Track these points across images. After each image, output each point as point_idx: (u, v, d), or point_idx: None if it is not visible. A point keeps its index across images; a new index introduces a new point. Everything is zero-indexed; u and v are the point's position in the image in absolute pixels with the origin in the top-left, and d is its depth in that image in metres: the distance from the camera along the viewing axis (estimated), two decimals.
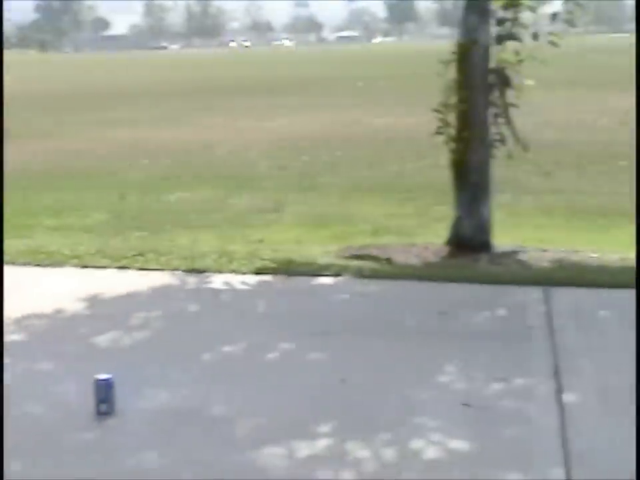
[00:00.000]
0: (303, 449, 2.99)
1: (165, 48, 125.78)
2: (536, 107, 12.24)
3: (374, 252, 6.10)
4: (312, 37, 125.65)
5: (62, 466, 2.93)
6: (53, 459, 2.95)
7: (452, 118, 6.12)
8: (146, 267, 5.60)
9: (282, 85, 23.05)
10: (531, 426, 3.17)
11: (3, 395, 2.73)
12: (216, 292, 4.99)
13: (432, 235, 6.83)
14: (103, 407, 3.30)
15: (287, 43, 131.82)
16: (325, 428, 3.16)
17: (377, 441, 3.04)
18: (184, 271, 5.49)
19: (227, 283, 5.16)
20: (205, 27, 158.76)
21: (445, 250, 6.06)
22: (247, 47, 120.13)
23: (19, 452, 2.96)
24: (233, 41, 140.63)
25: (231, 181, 10.08)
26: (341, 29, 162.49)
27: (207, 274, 5.42)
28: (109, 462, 2.95)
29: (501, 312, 4.61)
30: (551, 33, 6.06)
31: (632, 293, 4.79)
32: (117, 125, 16.34)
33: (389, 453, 2.96)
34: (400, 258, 5.89)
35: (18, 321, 4.41)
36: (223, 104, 19.55)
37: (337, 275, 5.33)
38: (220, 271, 5.43)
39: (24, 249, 6.13)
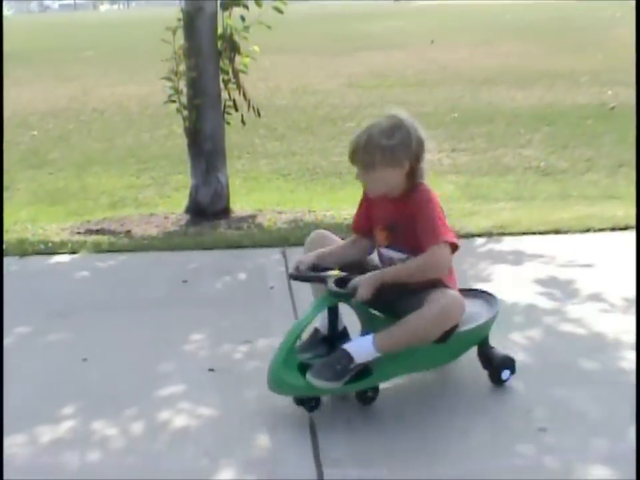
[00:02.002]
0: (47, 434, 2.89)
1: None
2: (266, 72, 12.51)
3: (112, 226, 5.97)
4: (33, 5, 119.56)
5: None
6: None
7: (183, 86, 6.09)
8: None
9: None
10: None
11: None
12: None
13: (172, 204, 6.80)
14: None
15: (5, 11, 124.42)
16: (67, 410, 3.06)
17: (123, 417, 2.99)
18: None
19: None
20: None
21: (185, 218, 6.06)
22: None
23: None
24: None
25: None
26: None
27: None
28: None
29: (242, 276, 4.68)
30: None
31: None
32: None
33: (137, 427, 2.93)
34: (139, 230, 5.81)
35: None
36: None
37: (73, 252, 5.15)
38: None
39: None
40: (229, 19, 6.12)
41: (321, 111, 11.91)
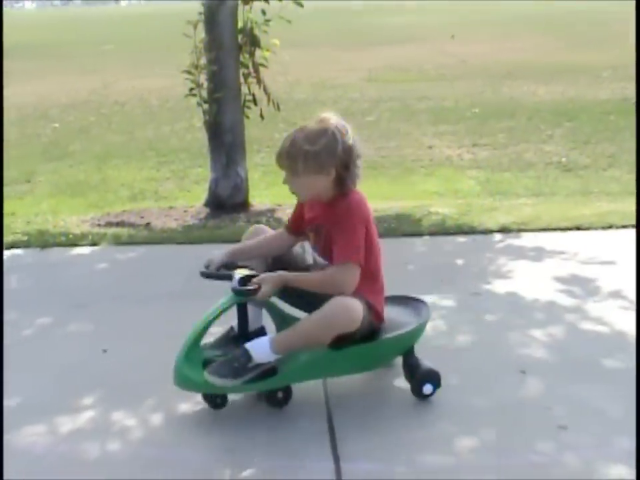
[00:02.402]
0: (67, 424, 2.91)
1: None
2: (286, 66, 12.50)
3: (132, 218, 6.00)
4: (56, 1, 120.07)
5: None
6: None
7: (203, 79, 6.11)
8: None
9: (25, 49, 21.86)
10: None
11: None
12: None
13: (191, 197, 6.83)
14: None
15: (28, 5, 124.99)
16: (87, 400, 3.08)
17: (142, 408, 3.01)
18: None
19: None
20: None
21: (204, 212, 6.08)
22: None
23: None
24: None
25: None
26: None
27: None
28: None
29: None
30: None
31: (381, 241, 5.05)
32: None
33: (156, 418, 2.95)
34: (159, 222, 5.84)
35: None
36: None
37: (93, 244, 5.19)
38: None
39: None
40: (249, 13, 6.14)
41: (340, 104, 11.90)
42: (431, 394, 2.98)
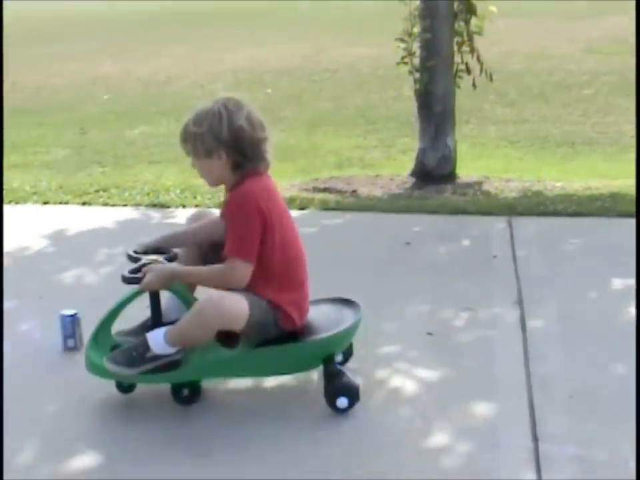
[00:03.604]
0: (270, 380, 3.01)
1: None
2: (500, 35, 12.19)
3: (339, 185, 6.09)
4: None
5: (28, 401, 2.92)
6: (19, 395, 2.94)
7: (416, 47, 6.07)
8: (109, 203, 5.55)
9: (240, 14, 22.62)
10: (493, 354, 3.21)
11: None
12: (179, 227, 4.94)
13: (397, 166, 6.83)
14: (70, 342, 3.29)
15: None
16: None
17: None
18: (147, 206, 5.45)
19: None
20: None
21: (410, 181, 6.07)
22: None
23: None
24: None
25: None
26: None
27: (170, 209, 5.38)
28: (77, 396, 2.95)
29: (465, 242, 4.63)
30: None
31: (595, 221, 4.85)
32: (75, 58, 15.98)
33: (357, 382, 2.99)
34: (365, 190, 5.89)
35: None
36: (181, 35, 19.17)
37: (302, 208, 5.31)
38: (184, 206, 5.40)
39: None
40: None
41: (555, 76, 11.46)
42: (346, 409, 2.77)
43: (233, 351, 2.78)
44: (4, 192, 5.71)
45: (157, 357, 2.75)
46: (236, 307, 2.69)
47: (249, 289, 2.76)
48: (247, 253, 2.72)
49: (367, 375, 3.03)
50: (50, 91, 12.26)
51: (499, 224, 4.85)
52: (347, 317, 2.95)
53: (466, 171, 6.31)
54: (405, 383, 2.99)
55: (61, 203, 5.55)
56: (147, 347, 2.76)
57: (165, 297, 2.90)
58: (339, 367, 2.86)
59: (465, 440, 2.61)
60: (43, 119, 9.49)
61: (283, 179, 6.37)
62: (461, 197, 5.58)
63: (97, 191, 5.77)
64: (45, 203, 5.60)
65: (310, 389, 2.95)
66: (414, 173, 6.16)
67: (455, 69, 6.07)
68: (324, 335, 2.85)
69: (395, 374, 3.05)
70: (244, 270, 2.72)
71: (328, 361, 2.83)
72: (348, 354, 3.08)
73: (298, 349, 2.84)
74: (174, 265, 2.84)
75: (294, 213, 5.16)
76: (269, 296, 2.78)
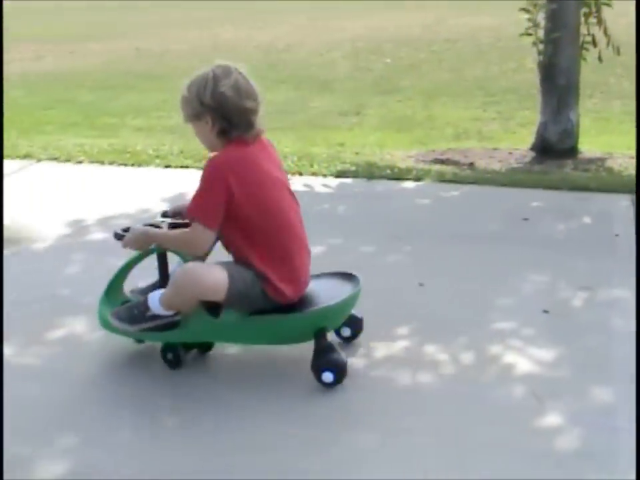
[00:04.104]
0: (381, 350, 3.03)
1: None
2: (629, 6, 11.72)
3: (456, 156, 6.03)
4: None
5: None
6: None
7: (540, 18, 5.92)
8: None
9: None
10: (610, 335, 3.13)
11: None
12: (297, 194, 4.99)
13: (516, 140, 6.70)
14: None
15: None
16: (402, 330, 3.18)
17: (454, 344, 3.05)
18: None
19: (307, 185, 5.18)
20: None
21: (530, 155, 5.95)
22: None
23: None
24: None
25: (312, 82, 10.01)
26: None
27: (287, 176, 5.43)
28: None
29: (587, 219, 4.51)
30: None
31: None
32: (196, 25, 16.26)
33: (467, 356, 2.97)
34: (482, 163, 5.82)
35: (103, 221, 4.52)
36: (302, 2, 19.22)
37: (417, 179, 5.29)
38: (300, 173, 5.45)
39: (108, 149, 6.25)
40: None
41: None
42: (332, 383, 2.75)
43: (217, 319, 2.84)
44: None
45: (156, 317, 2.87)
46: (211, 278, 2.74)
47: (239, 260, 2.83)
48: (207, 218, 2.75)
49: (479, 350, 3.01)
50: (172, 56, 12.54)
51: (622, 202, 4.71)
52: (342, 292, 2.92)
53: (588, 146, 6.14)
54: (518, 360, 2.95)
55: (181, 167, 5.70)
56: (147, 307, 2.88)
57: (174, 260, 2.98)
58: (328, 342, 2.82)
59: (578, 422, 2.56)
60: (165, 85, 9.71)
61: (399, 149, 6.35)
62: (583, 172, 5.43)
63: None
64: (167, 166, 5.75)
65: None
66: (534, 147, 6.04)
67: (580, 41, 5.89)
68: (313, 308, 2.85)
69: (508, 350, 3.02)
70: (204, 235, 2.76)
71: (319, 335, 2.82)
72: (357, 329, 3.08)
73: (288, 320, 2.84)
74: (148, 229, 2.92)
75: (409, 184, 5.21)
76: (255, 266, 2.79)
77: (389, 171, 5.45)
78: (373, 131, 7.43)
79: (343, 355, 2.81)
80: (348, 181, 5.32)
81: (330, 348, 2.80)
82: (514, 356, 2.98)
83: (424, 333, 3.15)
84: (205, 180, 2.75)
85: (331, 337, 2.91)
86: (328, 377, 2.76)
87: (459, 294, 3.51)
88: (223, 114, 2.75)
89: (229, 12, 18.70)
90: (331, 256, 3.95)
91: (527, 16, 5.97)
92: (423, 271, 3.75)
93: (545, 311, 3.32)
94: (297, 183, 5.21)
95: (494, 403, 2.68)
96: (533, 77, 6.30)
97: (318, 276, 3.02)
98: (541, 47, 5.89)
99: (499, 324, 3.23)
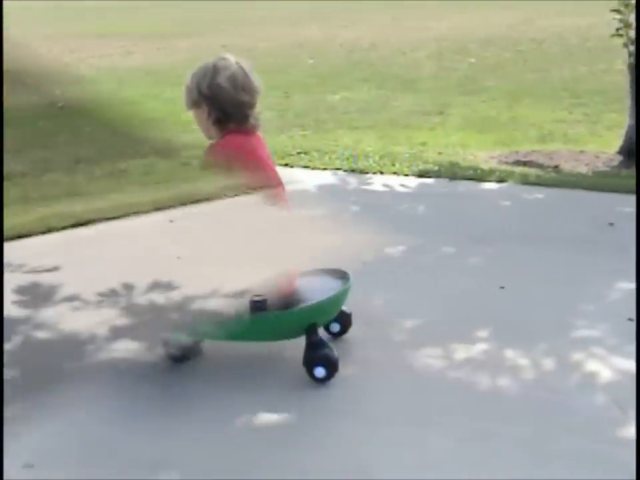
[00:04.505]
0: (460, 352, 3.00)
1: None
2: None
3: (540, 159, 5.94)
4: None
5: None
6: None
7: (632, 19, 5.77)
8: (309, 166, 5.68)
9: None
10: None
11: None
12: (377, 193, 5.00)
13: (602, 143, 6.56)
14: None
15: None
16: (481, 333, 3.14)
17: (534, 350, 3.00)
18: (346, 170, 5.54)
19: (388, 185, 5.17)
20: None
21: (617, 159, 5.82)
22: None
23: None
24: None
25: (395, 81, 9.98)
26: None
27: (368, 175, 5.44)
28: None
29: None
30: None
31: None
32: (281, 23, 16.38)
33: (547, 362, 2.92)
34: (568, 165, 5.71)
35: None
36: (387, 1, 19.18)
37: (500, 180, 5.23)
38: (382, 172, 5.44)
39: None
40: None
41: None
42: (324, 379, 2.78)
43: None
44: None
45: None
46: None
47: None
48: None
49: (560, 357, 2.95)
50: (258, 53, 12.65)
51: None
52: (333, 288, 2.94)
53: None
54: (601, 369, 2.88)
55: None
56: None
57: None
58: (320, 337, 2.85)
59: None
60: None
61: (482, 150, 6.28)
62: None
63: (299, 153, 5.92)
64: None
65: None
66: (622, 151, 5.90)
67: None
68: (305, 304, 2.87)
69: (590, 358, 2.95)
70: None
71: (310, 331, 2.84)
72: (346, 325, 3.10)
73: (279, 317, 2.85)
74: None
75: (492, 186, 5.15)
76: None
77: (471, 172, 5.40)
78: (455, 131, 7.36)
79: (334, 350, 2.85)
80: (430, 180, 5.29)
81: (321, 344, 2.85)
82: (596, 364, 2.92)
83: (504, 336, 3.11)
84: (204, 160, 2.96)
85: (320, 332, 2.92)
86: (320, 372, 2.81)
87: (541, 298, 3.45)
88: (219, 105, 2.89)
89: (314, 10, 18.79)
90: (410, 256, 3.94)
91: (618, 16, 5.84)
92: (504, 274, 3.71)
93: (630, 319, 3.24)
94: (377, 182, 5.22)
95: (575, 411, 2.63)
96: (621, 79, 6.15)
97: (308, 272, 3.06)
98: (632, 48, 5.75)
99: (582, 330, 3.17)
